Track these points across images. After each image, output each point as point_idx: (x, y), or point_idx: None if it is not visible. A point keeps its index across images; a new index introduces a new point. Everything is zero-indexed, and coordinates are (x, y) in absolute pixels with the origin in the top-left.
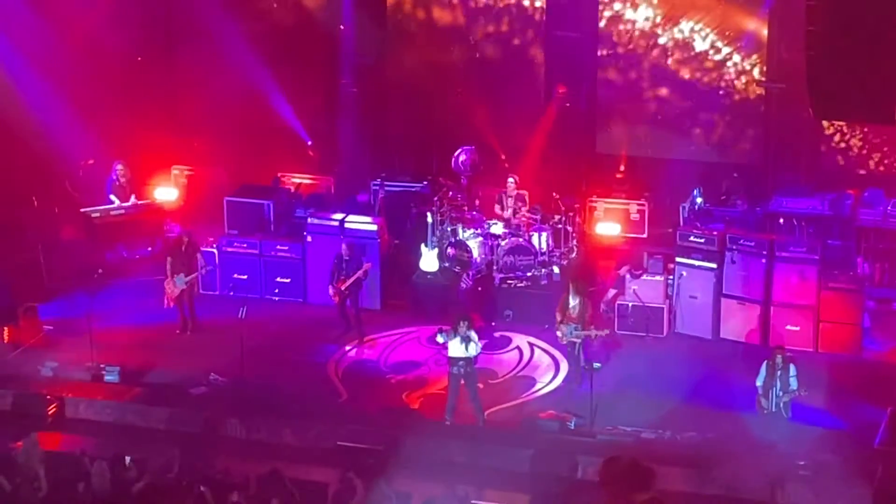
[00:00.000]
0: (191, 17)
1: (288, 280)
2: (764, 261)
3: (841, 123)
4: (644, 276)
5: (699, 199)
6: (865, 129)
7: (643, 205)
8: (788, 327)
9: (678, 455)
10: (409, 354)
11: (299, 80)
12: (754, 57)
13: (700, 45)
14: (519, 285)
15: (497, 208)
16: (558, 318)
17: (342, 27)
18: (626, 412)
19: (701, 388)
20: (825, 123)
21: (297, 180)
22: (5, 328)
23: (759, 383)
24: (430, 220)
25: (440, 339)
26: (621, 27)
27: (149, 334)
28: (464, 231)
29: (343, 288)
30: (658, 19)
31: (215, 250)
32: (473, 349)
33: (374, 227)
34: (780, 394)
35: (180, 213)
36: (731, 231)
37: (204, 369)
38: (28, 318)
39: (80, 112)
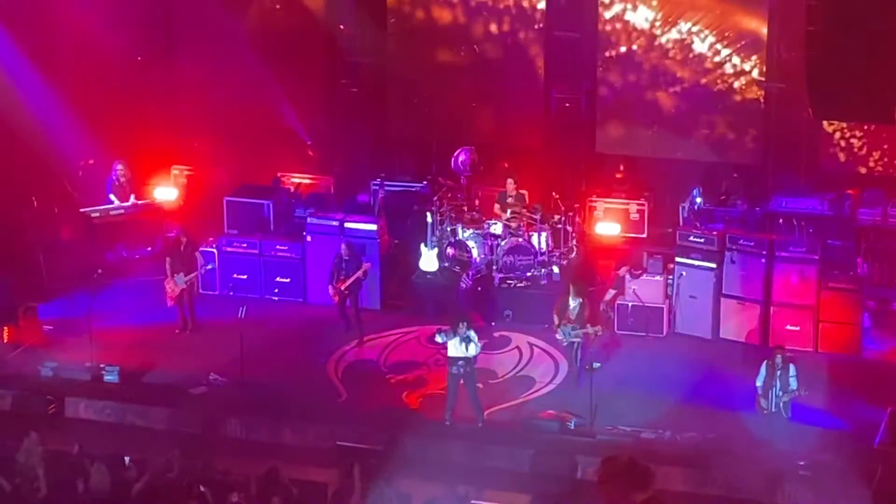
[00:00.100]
0: (191, 17)
1: (288, 280)
2: (764, 261)
3: (841, 123)
4: (644, 276)
5: (699, 199)
6: (865, 129)
7: (643, 205)
8: (788, 327)
9: (678, 455)
10: (409, 354)
11: (299, 80)
12: (754, 57)
13: (700, 46)
14: (518, 285)
15: (497, 208)
16: (556, 320)
17: (342, 27)
18: (626, 412)
19: (701, 388)
20: (825, 123)
21: (297, 180)
22: (5, 328)
23: (758, 383)
24: (429, 219)
25: (439, 339)
26: (621, 27)
27: (149, 334)
28: (464, 231)
29: (343, 288)
30: (658, 20)
31: (215, 250)
32: (473, 349)
33: (373, 228)
34: (780, 394)
35: (180, 213)
36: (730, 231)
37: (204, 369)
38: (28, 318)
39: (80, 112)
